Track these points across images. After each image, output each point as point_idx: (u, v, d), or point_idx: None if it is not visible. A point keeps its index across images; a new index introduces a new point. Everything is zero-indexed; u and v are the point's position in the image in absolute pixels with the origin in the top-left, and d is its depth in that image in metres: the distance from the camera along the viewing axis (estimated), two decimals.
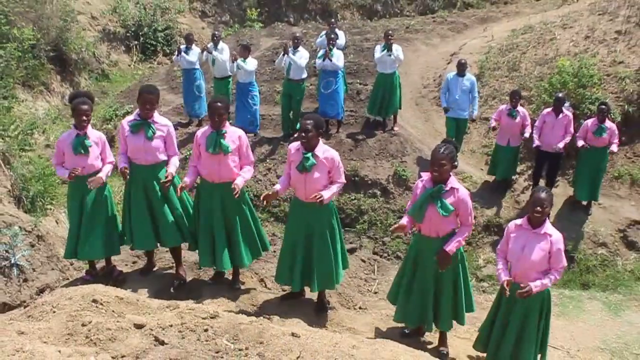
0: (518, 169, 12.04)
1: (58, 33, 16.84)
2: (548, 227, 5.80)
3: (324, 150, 6.45)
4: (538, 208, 5.68)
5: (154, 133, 6.70)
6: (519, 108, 11.22)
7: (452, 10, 21.61)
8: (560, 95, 11.08)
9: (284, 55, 12.03)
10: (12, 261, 7.35)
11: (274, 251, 8.39)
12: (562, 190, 11.76)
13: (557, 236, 5.76)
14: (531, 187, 11.58)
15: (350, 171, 11.65)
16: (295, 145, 6.58)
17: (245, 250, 6.99)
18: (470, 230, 6.18)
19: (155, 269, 7.74)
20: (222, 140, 6.54)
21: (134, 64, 19.72)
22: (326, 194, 6.33)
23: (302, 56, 12.11)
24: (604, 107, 10.71)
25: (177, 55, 13.14)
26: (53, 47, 16.60)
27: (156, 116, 6.80)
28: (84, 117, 6.69)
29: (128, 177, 6.77)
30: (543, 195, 5.74)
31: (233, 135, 6.66)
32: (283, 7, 22.82)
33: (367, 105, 12.92)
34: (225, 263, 6.92)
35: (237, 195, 6.49)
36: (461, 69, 11.62)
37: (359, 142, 12.42)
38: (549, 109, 11.05)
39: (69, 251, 7.07)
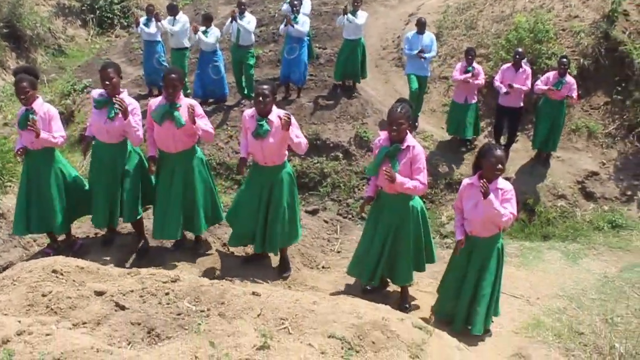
0: None
1: (10, 9, 16.52)
2: (500, 181, 5.90)
3: (277, 114, 6.49)
4: (499, 166, 5.77)
5: (115, 114, 6.63)
6: (475, 65, 11.32)
7: None
8: (519, 50, 11.21)
9: (231, 22, 11.95)
10: None
11: None
12: (522, 145, 11.93)
13: (508, 188, 5.90)
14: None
15: (312, 135, 11.67)
16: (249, 112, 6.62)
17: (203, 218, 7.04)
18: (424, 189, 6.23)
19: (116, 238, 7.74)
20: (175, 112, 6.50)
21: (91, 38, 19.40)
22: (293, 120, 6.47)
23: (249, 21, 12.04)
24: (565, 60, 10.84)
25: (136, 27, 12.98)
26: (6, 23, 16.30)
27: (124, 95, 6.71)
28: (22, 95, 6.57)
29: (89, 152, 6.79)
30: (500, 152, 5.83)
31: (185, 107, 6.62)
32: None
33: (334, 71, 12.88)
34: (176, 233, 6.95)
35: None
36: (421, 27, 11.64)
37: (320, 105, 12.43)
38: (509, 64, 11.17)
39: (18, 227, 7.03)
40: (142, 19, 13.04)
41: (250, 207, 6.80)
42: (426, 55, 11.52)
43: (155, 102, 6.73)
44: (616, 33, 12.80)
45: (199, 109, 6.72)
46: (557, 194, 11.08)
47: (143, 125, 6.86)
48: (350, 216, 10.38)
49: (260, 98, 6.36)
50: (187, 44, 12.76)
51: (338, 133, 11.83)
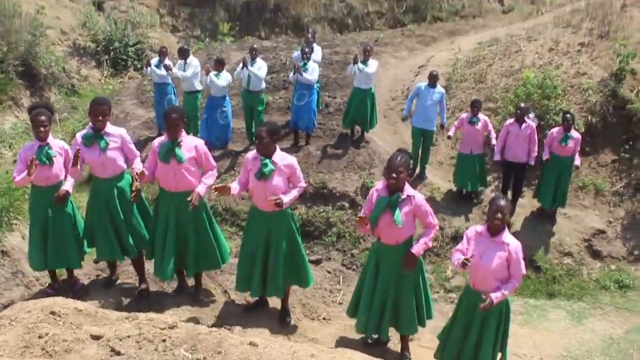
0: None
1: (27, 47, 16.72)
2: (506, 235, 5.87)
3: (281, 157, 6.53)
4: (498, 215, 5.75)
5: (107, 144, 6.71)
6: (480, 115, 11.39)
7: (421, 24, 21.81)
8: (522, 105, 11.27)
9: (242, 68, 12.08)
10: None
11: None
12: (528, 201, 11.89)
13: (515, 244, 5.84)
14: None
15: (319, 183, 11.70)
16: (252, 154, 6.64)
17: (197, 260, 7.00)
18: (436, 229, 6.33)
19: (117, 281, 7.71)
20: (176, 148, 6.56)
21: (105, 79, 19.60)
22: (285, 198, 6.39)
23: (260, 67, 12.19)
24: (568, 116, 10.90)
25: (146, 68, 13.15)
26: (22, 61, 16.49)
27: (108, 127, 6.81)
28: (42, 128, 6.70)
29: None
30: (503, 202, 5.82)
31: (189, 144, 6.70)
32: (254, 22, 22.89)
33: (342, 118, 12.96)
34: (166, 272, 6.91)
35: (193, 203, 6.48)
36: (433, 80, 11.75)
37: (327, 154, 12.47)
38: (512, 120, 11.22)
39: (39, 262, 7.05)
40: (154, 61, 13.22)
41: (250, 251, 6.78)
42: (444, 120, 12.07)
43: (158, 140, 6.80)
44: (624, 91, 12.87)
45: (202, 147, 6.78)
46: (564, 252, 11.00)
47: (143, 162, 6.96)
48: (354, 267, 10.32)
49: (258, 140, 6.42)
50: (199, 87, 12.89)
51: (345, 182, 11.83)
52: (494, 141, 11.33)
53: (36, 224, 6.98)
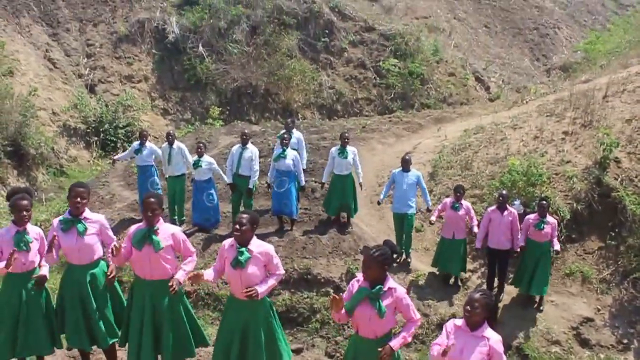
0: (471, 266, 12.08)
1: (17, 128, 16.88)
2: (487, 330, 5.70)
3: (258, 244, 6.42)
4: (468, 307, 5.61)
5: (85, 229, 6.63)
6: (463, 202, 11.40)
7: (409, 111, 22.15)
8: (504, 192, 11.36)
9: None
10: None
11: None
12: (515, 288, 11.77)
13: (495, 339, 5.65)
14: (485, 286, 11.59)
15: (303, 269, 11.58)
16: (229, 241, 6.53)
17: (173, 349, 6.78)
18: (418, 324, 6.11)
19: None
20: (153, 236, 6.47)
21: (94, 160, 19.73)
22: (261, 289, 6.26)
23: (251, 152, 12.25)
24: (544, 202, 10.97)
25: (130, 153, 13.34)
26: (11, 141, 16.59)
27: (87, 212, 6.75)
28: (24, 213, 6.62)
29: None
30: (476, 295, 5.66)
31: (166, 232, 6.60)
32: (244, 106, 23.20)
33: (324, 203, 12.98)
34: None
35: (173, 290, 6.35)
36: (406, 164, 11.86)
37: (312, 239, 12.39)
38: (494, 207, 11.24)
39: (3, 352, 6.83)
40: (135, 144, 13.41)
41: (226, 340, 6.57)
42: (429, 203, 12.14)
43: (134, 227, 6.69)
44: (608, 179, 12.96)
45: (180, 235, 6.69)
46: (551, 340, 10.82)
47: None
48: (338, 355, 10.10)
49: (237, 226, 6.32)
50: (184, 170, 12.96)
51: (329, 268, 11.72)
52: (475, 229, 11.30)
53: (6, 311, 6.80)
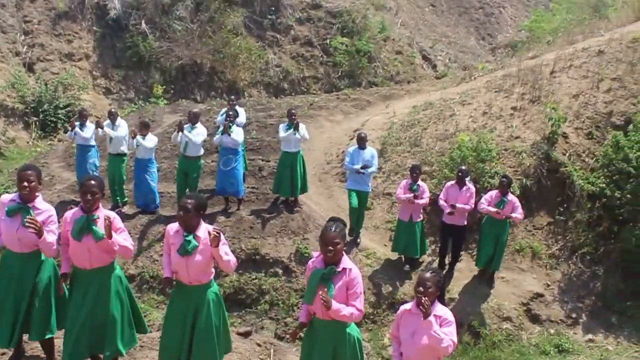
0: None
1: None
2: (438, 308, 5.48)
3: (205, 230, 6.03)
4: (420, 288, 5.38)
5: None
6: (420, 182, 11.21)
7: (357, 89, 21.94)
8: (463, 168, 11.24)
9: (178, 132, 11.72)
10: None
11: None
12: (466, 265, 11.74)
13: (446, 314, 5.48)
14: (437, 263, 11.50)
15: (251, 249, 11.31)
16: (174, 227, 6.08)
17: (118, 338, 6.35)
18: (359, 316, 5.64)
19: (24, 354, 7.00)
20: (93, 226, 6.01)
21: (33, 141, 18.92)
22: (222, 238, 5.90)
23: (198, 133, 11.83)
24: (504, 179, 10.86)
25: (71, 131, 12.75)
26: None
27: (39, 201, 6.22)
28: None
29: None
30: (427, 275, 5.44)
31: (105, 219, 6.13)
32: (190, 85, 22.60)
33: (273, 184, 12.64)
34: (78, 356, 6.24)
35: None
36: (361, 142, 11.55)
37: (260, 219, 12.09)
38: (452, 182, 11.11)
39: None
40: (76, 122, 12.85)
41: (174, 331, 6.20)
42: (366, 170, 11.33)
43: (70, 214, 6.20)
44: (557, 155, 13.01)
45: (119, 222, 6.21)
46: (502, 316, 10.82)
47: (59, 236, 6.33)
48: (288, 337, 9.86)
49: (182, 212, 5.92)
50: (125, 149, 12.48)
51: (278, 248, 11.46)
52: (421, 202, 11.07)
53: None
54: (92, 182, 6.02)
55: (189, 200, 5.91)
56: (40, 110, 19.27)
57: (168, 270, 6.15)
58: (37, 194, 6.26)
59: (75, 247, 6.02)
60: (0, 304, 6.31)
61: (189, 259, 5.88)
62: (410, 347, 5.47)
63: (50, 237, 6.08)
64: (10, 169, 16.19)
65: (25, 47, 20.95)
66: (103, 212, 6.09)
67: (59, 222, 6.33)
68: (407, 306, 5.62)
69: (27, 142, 18.83)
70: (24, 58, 20.68)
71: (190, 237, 5.89)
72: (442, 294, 5.64)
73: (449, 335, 5.33)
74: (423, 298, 5.24)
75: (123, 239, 6.12)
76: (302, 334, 6.17)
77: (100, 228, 5.96)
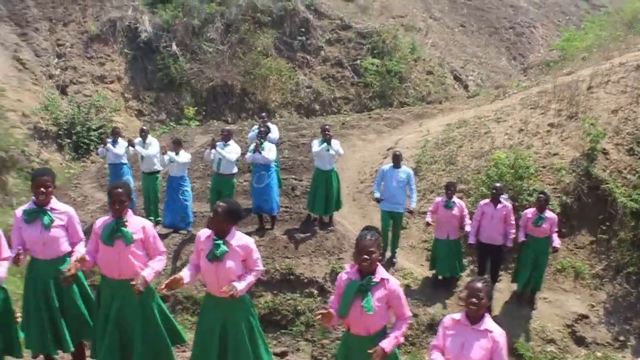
0: None
1: None
2: (488, 322, 5.21)
3: (237, 237, 5.82)
4: (473, 299, 5.11)
5: (51, 221, 6.00)
6: (455, 199, 10.94)
7: (388, 109, 21.77)
8: (498, 185, 10.89)
9: (211, 149, 11.59)
10: None
11: None
12: (506, 285, 11.38)
13: (499, 332, 5.18)
14: None
15: (285, 269, 11.10)
16: (205, 232, 5.92)
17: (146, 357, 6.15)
18: (408, 322, 5.55)
19: None
20: (122, 228, 5.86)
21: (66, 163, 19.00)
22: (240, 286, 5.68)
23: (231, 150, 11.68)
24: (542, 196, 10.54)
25: (103, 147, 12.73)
26: None
27: (54, 202, 6.12)
28: None
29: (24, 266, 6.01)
30: (479, 284, 5.18)
31: (136, 225, 5.98)
32: (221, 106, 22.63)
33: (307, 202, 12.45)
34: None
35: (138, 288, 5.71)
36: (396, 161, 11.34)
37: (294, 238, 11.89)
38: (487, 200, 10.80)
39: None
40: (108, 140, 12.95)
41: (204, 345, 5.98)
42: (413, 204, 11.44)
43: (100, 221, 6.07)
44: (597, 171, 12.65)
45: (150, 229, 6.09)
46: (546, 338, 10.45)
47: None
48: (324, 359, 9.61)
49: (212, 214, 5.77)
50: (158, 167, 12.40)
51: (313, 268, 11.24)
52: (467, 227, 10.84)
53: None
54: (119, 190, 5.91)
55: (222, 204, 5.75)
56: (73, 132, 19.41)
57: (186, 272, 5.93)
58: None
59: (105, 253, 5.89)
60: (29, 313, 6.18)
61: (219, 265, 5.69)
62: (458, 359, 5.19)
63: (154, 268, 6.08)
64: None
65: (59, 70, 21.17)
66: (134, 219, 5.97)
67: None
68: (456, 316, 5.33)
69: (61, 164, 18.89)
70: (57, 81, 20.88)
71: (220, 242, 5.70)
72: (489, 308, 5.37)
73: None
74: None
75: (155, 247, 5.98)
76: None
77: (130, 231, 5.82)
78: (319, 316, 5.46)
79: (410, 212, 11.55)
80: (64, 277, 5.85)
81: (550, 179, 12.78)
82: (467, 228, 10.84)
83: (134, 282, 5.70)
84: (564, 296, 11.26)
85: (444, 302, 10.93)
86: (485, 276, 11.01)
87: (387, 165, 11.57)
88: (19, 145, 17.48)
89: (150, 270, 5.93)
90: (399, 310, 5.44)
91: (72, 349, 6.36)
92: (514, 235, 10.62)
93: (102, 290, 6.11)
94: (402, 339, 5.44)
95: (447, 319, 5.41)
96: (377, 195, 11.35)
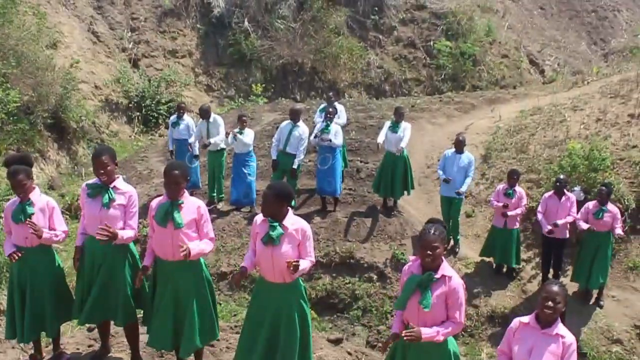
0: (524, 256, 11.29)
1: (57, 100, 16.49)
2: (560, 327, 4.90)
3: (293, 221, 5.65)
4: (549, 303, 4.81)
5: (110, 199, 5.98)
6: (517, 188, 10.59)
7: (460, 92, 21.29)
8: (561, 177, 10.48)
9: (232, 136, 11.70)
10: None
11: None
12: (569, 280, 10.95)
13: (570, 339, 4.85)
14: (540, 277, 10.83)
15: (345, 253, 10.98)
16: (261, 217, 5.81)
17: (197, 336, 6.09)
18: (459, 328, 5.21)
19: (110, 354, 6.88)
20: (175, 212, 5.79)
21: (135, 135, 19.35)
22: (302, 264, 5.54)
23: (302, 130, 11.50)
24: (604, 188, 10.07)
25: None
26: (51, 114, 16.22)
27: (119, 182, 6.09)
28: (19, 189, 5.93)
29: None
30: (555, 288, 4.88)
31: (191, 206, 5.89)
32: (290, 84, 22.61)
33: (373, 183, 12.33)
34: (165, 342, 6.07)
35: (183, 253, 5.61)
36: (459, 146, 11.08)
37: (356, 222, 11.73)
38: (551, 192, 10.40)
39: (10, 331, 6.32)
40: (172, 117, 13.01)
41: (253, 330, 5.87)
42: (464, 188, 11.02)
43: (156, 202, 6.03)
44: None
45: (205, 211, 6.01)
46: (612, 338, 10.02)
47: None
48: (379, 345, 9.46)
49: (262, 199, 5.63)
50: (223, 145, 12.36)
51: (373, 253, 11.08)
52: (518, 211, 10.53)
53: (16, 288, 6.25)
54: (176, 171, 5.79)
55: (272, 187, 5.61)
56: (143, 105, 19.72)
57: (248, 261, 5.83)
58: (116, 176, 6.13)
59: (159, 234, 5.83)
60: (83, 289, 6.21)
61: (274, 249, 5.54)
62: None
63: (127, 234, 6.03)
64: None
65: (132, 43, 21.51)
66: (190, 200, 5.90)
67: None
68: (525, 319, 5.03)
69: (129, 136, 19.26)
70: (129, 54, 21.25)
71: (276, 224, 5.56)
72: (564, 313, 5.06)
73: None
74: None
75: (206, 231, 5.93)
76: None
77: (183, 215, 5.75)
78: (384, 346, 5.38)
79: (458, 193, 11.09)
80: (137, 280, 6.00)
81: (627, 173, 12.20)
82: (518, 211, 10.54)
83: (181, 248, 5.62)
84: (634, 295, 10.76)
85: (505, 293, 10.60)
86: (550, 271, 10.67)
87: (450, 150, 11.31)
88: (89, 117, 17.86)
89: (197, 245, 5.81)
90: (452, 311, 5.16)
91: (125, 322, 6.37)
92: (566, 221, 10.16)
93: (158, 271, 6.08)
94: (441, 338, 5.15)
95: (515, 322, 5.13)
96: (443, 175, 11.10)
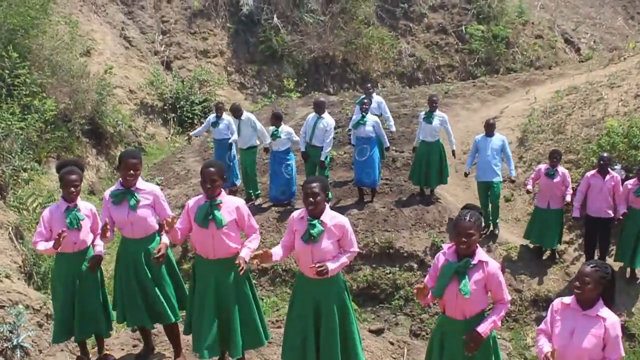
0: (567, 238, 11.14)
1: (94, 106, 16.77)
2: (602, 308, 4.86)
3: (331, 216, 5.67)
4: (577, 283, 4.74)
5: (137, 202, 6.09)
6: (559, 168, 10.44)
7: (494, 76, 21.06)
8: (605, 155, 10.28)
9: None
10: (15, 342, 6.79)
11: None
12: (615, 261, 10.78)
13: (612, 320, 4.74)
14: (583, 259, 10.68)
15: (385, 243, 10.96)
16: (298, 213, 5.80)
17: (241, 338, 6.13)
18: (507, 307, 5.28)
19: (154, 352, 6.99)
20: (215, 211, 5.85)
21: (171, 137, 19.57)
22: (331, 265, 5.56)
23: (327, 122, 11.58)
24: None
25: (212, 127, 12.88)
26: (88, 120, 16.50)
27: (140, 183, 6.19)
28: (72, 189, 6.11)
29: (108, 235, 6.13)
30: (587, 269, 4.74)
31: (230, 205, 5.93)
32: (322, 77, 22.61)
33: (409, 172, 12.35)
34: (212, 350, 6.07)
35: (242, 270, 5.73)
36: (489, 129, 11.06)
37: (394, 211, 11.70)
38: (594, 171, 10.24)
39: (58, 335, 6.46)
40: (211, 117, 13.12)
41: (299, 329, 5.90)
42: (512, 172, 11.38)
43: (193, 201, 6.10)
44: None
45: (244, 208, 6.06)
46: None
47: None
48: (423, 334, 9.45)
49: (311, 198, 5.56)
50: (255, 142, 12.44)
51: (413, 242, 11.05)
52: (568, 198, 10.35)
53: (61, 293, 6.38)
54: (212, 169, 5.86)
55: (314, 184, 5.58)
56: (177, 106, 19.94)
57: (278, 252, 5.81)
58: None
59: (199, 234, 5.90)
60: (127, 292, 6.32)
61: (314, 246, 5.56)
62: (567, 347, 4.83)
63: (165, 237, 6.10)
64: (149, 163, 16.77)
65: (163, 46, 21.74)
66: (228, 199, 5.96)
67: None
68: (566, 300, 4.94)
69: (166, 138, 19.49)
70: (162, 57, 21.49)
71: (316, 222, 5.57)
72: (611, 295, 4.93)
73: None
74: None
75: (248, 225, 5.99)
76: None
77: (222, 214, 5.81)
78: (416, 288, 5.26)
79: (512, 181, 11.11)
80: (154, 258, 5.95)
81: None
82: (568, 198, 10.37)
83: (237, 263, 5.67)
84: None
85: (548, 276, 10.49)
86: (595, 252, 10.50)
87: (480, 135, 11.24)
88: (126, 121, 18.11)
89: (247, 250, 5.88)
90: (498, 295, 5.16)
91: (169, 322, 6.45)
92: (625, 210, 10.00)
93: (198, 269, 6.15)
94: (499, 324, 5.17)
95: (557, 302, 5.05)
96: (468, 168, 11.32)
